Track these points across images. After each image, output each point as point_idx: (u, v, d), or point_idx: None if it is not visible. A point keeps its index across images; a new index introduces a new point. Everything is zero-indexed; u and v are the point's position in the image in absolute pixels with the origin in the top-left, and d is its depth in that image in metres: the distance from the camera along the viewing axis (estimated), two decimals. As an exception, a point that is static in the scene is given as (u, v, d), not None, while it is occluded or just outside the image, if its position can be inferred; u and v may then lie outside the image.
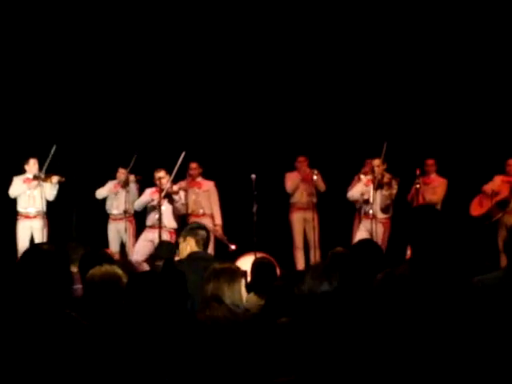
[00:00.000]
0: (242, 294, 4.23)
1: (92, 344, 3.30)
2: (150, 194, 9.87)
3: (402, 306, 3.36)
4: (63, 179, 10.09)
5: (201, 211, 10.12)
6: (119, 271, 3.88)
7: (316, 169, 10.28)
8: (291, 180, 10.52)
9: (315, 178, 10.19)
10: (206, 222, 9.30)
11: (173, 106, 11.50)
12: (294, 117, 11.40)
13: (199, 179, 10.34)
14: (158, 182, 9.67)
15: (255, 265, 5.61)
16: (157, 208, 9.58)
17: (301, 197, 10.49)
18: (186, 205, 10.09)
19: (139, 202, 9.97)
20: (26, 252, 3.58)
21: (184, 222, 9.76)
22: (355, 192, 10.06)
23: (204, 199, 10.22)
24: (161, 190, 9.57)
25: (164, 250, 6.77)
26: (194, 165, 10.28)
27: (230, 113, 11.46)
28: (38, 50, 11.19)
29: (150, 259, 9.00)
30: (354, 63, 11.24)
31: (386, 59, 11.16)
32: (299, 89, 11.40)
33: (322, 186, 10.42)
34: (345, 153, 10.99)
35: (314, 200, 10.46)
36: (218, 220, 10.17)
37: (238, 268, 4.45)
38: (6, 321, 3.26)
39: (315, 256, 10.20)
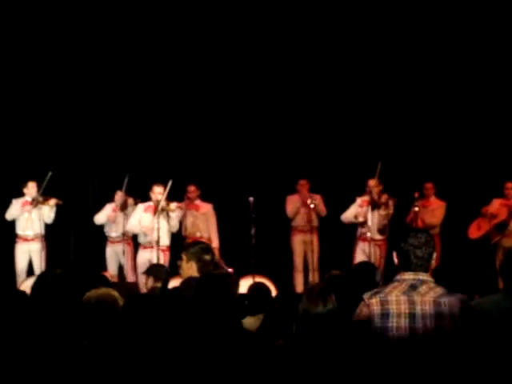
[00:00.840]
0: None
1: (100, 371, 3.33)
2: (143, 210, 9.84)
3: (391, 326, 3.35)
4: (60, 202, 10.14)
5: (198, 234, 10.09)
6: (115, 294, 3.87)
7: (315, 194, 10.27)
8: (292, 204, 10.46)
9: (312, 206, 10.11)
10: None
11: (171, 127, 11.49)
12: (293, 139, 11.40)
13: (197, 202, 10.32)
14: (153, 196, 9.62)
15: (251, 289, 5.63)
16: (154, 226, 9.52)
17: (301, 220, 10.45)
18: (185, 227, 10.09)
19: (131, 226, 9.90)
20: (40, 277, 3.66)
21: (178, 240, 9.78)
22: (348, 214, 10.05)
23: (201, 222, 10.20)
24: (155, 206, 9.53)
25: (158, 273, 6.70)
26: (192, 187, 10.27)
27: (229, 135, 11.46)
28: (32, 70, 11.19)
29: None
30: (352, 86, 11.26)
31: (385, 82, 11.18)
32: (299, 111, 11.40)
33: (322, 211, 10.37)
34: (346, 175, 11.01)
35: (315, 223, 10.43)
36: (215, 243, 10.12)
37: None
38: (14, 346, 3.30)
39: (314, 278, 10.17)
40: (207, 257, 5.15)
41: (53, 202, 10.08)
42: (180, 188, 10.05)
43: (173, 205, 9.56)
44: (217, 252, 10.04)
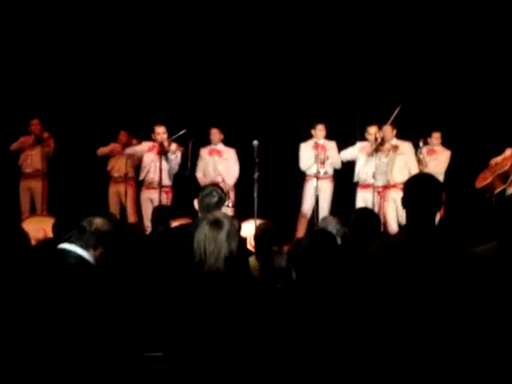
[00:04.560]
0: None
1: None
2: (147, 149, 9.75)
3: (396, 273, 3.28)
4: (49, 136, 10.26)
5: (219, 178, 9.77)
6: None
7: (331, 141, 10.00)
8: (305, 155, 9.98)
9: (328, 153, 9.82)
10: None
11: (176, 72, 11.33)
12: (303, 82, 11.25)
13: (220, 146, 10.01)
14: (157, 137, 9.46)
15: (258, 231, 5.60)
16: (151, 166, 9.47)
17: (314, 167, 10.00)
18: (206, 172, 9.89)
19: (134, 149, 9.82)
20: None
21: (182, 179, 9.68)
22: (347, 153, 9.89)
23: (223, 167, 9.90)
24: (159, 146, 9.40)
25: (160, 216, 6.54)
26: (214, 130, 9.84)
27: (233, 78, 11.29)
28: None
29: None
30: (357, 42, 11.09)
31: (391, 29, 11.00)
32: (303, 55, 11.26)
33: (336, 162, 10.00)
34: (352, 121, 10.91)
35: (330, 170, 10.01)
36: (231, 181, 9.95)
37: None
38: None
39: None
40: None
41: (46, 134, 10.24)
42: (204, 131, 9.91)
43: (173, 146, 9.42)
44: (232, 193, 9.88)
